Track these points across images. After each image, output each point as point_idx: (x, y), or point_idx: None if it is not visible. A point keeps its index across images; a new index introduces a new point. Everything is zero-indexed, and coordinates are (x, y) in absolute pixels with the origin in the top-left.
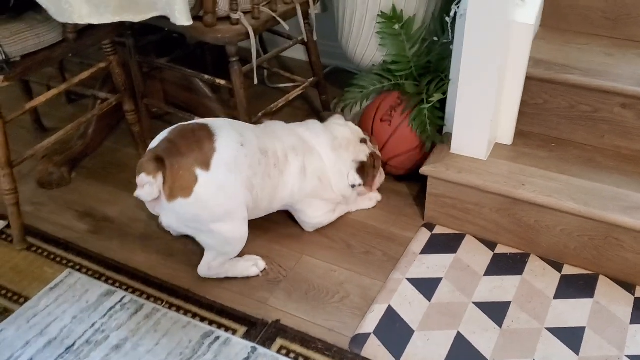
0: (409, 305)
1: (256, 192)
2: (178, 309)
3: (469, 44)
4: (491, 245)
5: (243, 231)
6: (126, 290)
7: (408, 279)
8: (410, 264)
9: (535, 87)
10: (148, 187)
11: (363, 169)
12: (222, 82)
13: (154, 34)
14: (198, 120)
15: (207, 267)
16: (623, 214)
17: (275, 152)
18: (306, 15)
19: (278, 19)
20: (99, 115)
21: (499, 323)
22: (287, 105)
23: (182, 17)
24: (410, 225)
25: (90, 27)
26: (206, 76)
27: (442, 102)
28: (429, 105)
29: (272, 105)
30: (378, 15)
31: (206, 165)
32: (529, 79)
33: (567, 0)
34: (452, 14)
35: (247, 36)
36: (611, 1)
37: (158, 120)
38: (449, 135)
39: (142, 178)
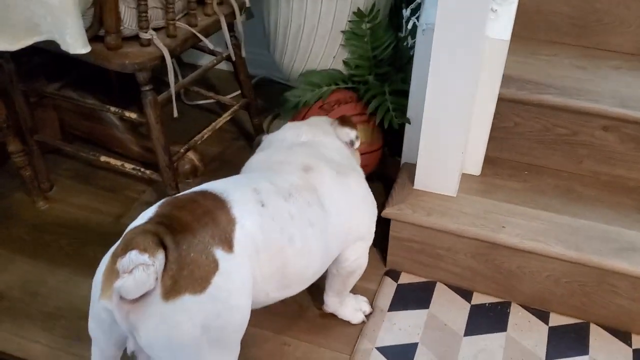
0: None
1: (296, 261)
2: None
3: (436, 65)
4: (466, 295)
5: None
6: None
7: (378, 349)
8: (379, 326)
9: (505, 108)
10: (141, 271)
11: (346, 119)
12: (133, 115)
13: (40, 55)
14: (193, 189)
15: None
16: (618, 257)
17: (297, 187)
18: (231, 27)
19: (199, 35)
20: None
21: None
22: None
23: (76, 43)
24: (370, 274)
25: None
26: (112, 108)
27: (404, 93)
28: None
29: (196, 137)
30: (353, 12)
31: (227, 243)
32: (499, 99)
33: (532, 5)
34: (409, 25)
35: (162, 59)
36: (580, 6)
37: (55, 155)
38: (409, 167)
39: (132, 257)
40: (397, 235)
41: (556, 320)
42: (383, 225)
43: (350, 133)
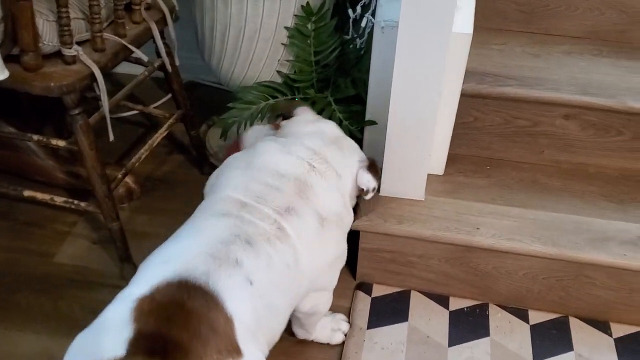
0: None
1: (276, 329)
2: None
3: (401, 64)
4: (443, 301)
5: None
6: None
7: None
8: (360, 347)
9: (465, 103)
10: None
11: (374, 167)
12: (62, 143)
13: None
14: (167, 275)
15: None
16: (593, 248)
17: (274, 241)
18: (162, 34)
19: (131, 47)
20: None
21: None
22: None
23: None
24: (341, 290)
25: None
26: (35, 136)
27: (352, 98)
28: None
29: (133, 159)
30: (302, 5)
31: (235, 350)
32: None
33: None
34: (362, 23)
35: (92, 78)
36: None
37: None
38: None
39: None
40: (367, 247)
41: (535, 317)
42: (350, 237)
43: (371, 182)
